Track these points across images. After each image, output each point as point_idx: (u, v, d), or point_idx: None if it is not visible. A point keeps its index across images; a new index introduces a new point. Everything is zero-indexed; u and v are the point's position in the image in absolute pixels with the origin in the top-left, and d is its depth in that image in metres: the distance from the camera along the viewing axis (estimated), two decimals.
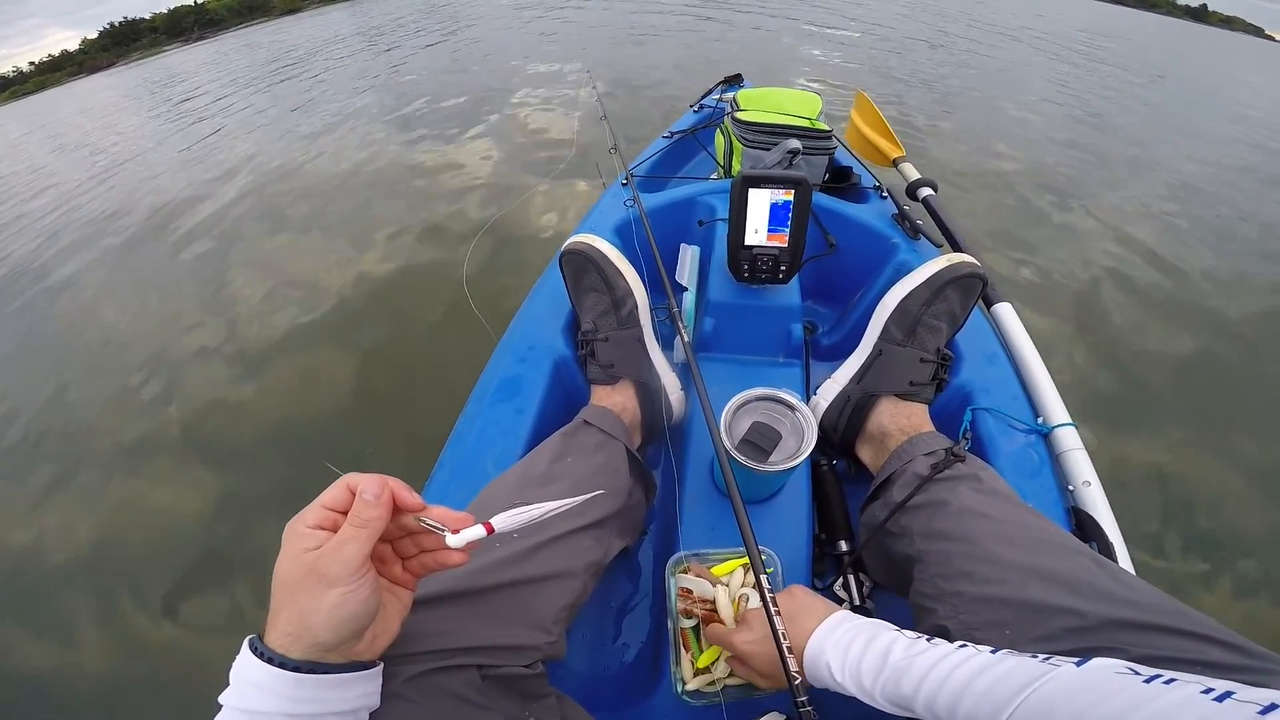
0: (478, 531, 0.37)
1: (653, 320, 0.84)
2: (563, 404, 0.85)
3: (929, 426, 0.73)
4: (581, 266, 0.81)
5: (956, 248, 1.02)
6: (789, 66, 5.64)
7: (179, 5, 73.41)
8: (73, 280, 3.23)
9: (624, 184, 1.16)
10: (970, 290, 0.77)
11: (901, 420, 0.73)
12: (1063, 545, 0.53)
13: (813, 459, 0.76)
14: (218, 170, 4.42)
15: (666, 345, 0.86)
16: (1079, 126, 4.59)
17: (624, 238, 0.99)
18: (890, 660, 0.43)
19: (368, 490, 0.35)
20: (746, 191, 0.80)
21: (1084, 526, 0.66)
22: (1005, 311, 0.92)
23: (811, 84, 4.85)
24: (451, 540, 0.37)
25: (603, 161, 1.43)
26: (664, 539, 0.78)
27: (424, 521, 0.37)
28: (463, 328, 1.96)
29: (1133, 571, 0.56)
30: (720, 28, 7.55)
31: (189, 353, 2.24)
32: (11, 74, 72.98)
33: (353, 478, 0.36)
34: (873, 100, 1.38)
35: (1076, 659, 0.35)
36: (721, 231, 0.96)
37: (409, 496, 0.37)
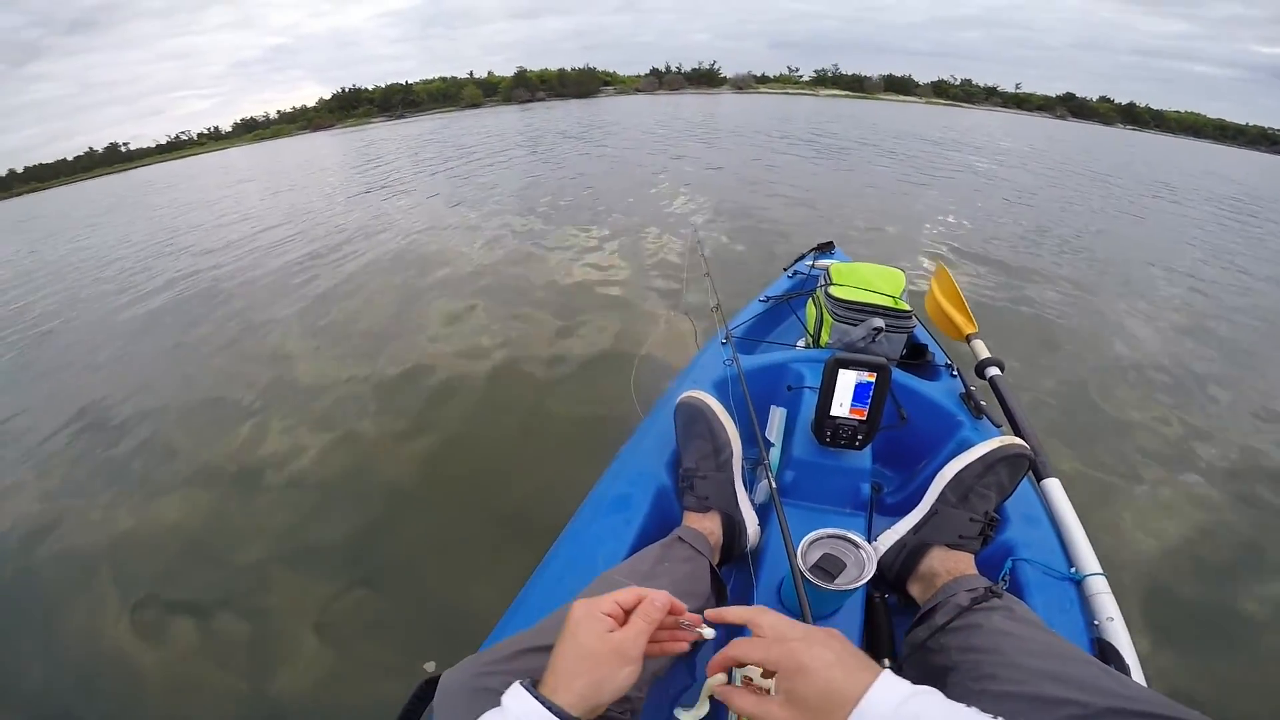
0: (711, 631, 0.54)
1: (742, 466, 1.03)
2: (658, 522, 1.02)
3: (973, 570, 0.85)
4: (693, 416, 1.02)
5: (1015, 429, 1.16)
6: (906, 219, 5.68)
7: (392, 84, 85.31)
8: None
9: (723, 342, 1.35)
10: (1018, 468, 0.92)
11: (949, 564, 0.86)
12: (1077, 657, 0.62)
13: (867, 592, 0.90)
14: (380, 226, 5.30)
15: (750, 488, 1.04)
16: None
17: (721, 392, 1.16)
18: None
19: (659, 599, 0.52)
20: (836, 371, 0.98)
21: (1106, 653, 0.76)
22: (1053, 485, 1.04)
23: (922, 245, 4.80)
24: (706, 631, 0.54)
25: (702, 313, 1.63)
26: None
27: (681, 621, 0.55)
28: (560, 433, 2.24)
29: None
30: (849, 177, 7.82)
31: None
32: (261, 119, 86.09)
33: (640, 590, 0.52)
34: (953, 276, 1.56)
35: None
36: (807, 397, 1.13)
37: (678, 604, 0.54)
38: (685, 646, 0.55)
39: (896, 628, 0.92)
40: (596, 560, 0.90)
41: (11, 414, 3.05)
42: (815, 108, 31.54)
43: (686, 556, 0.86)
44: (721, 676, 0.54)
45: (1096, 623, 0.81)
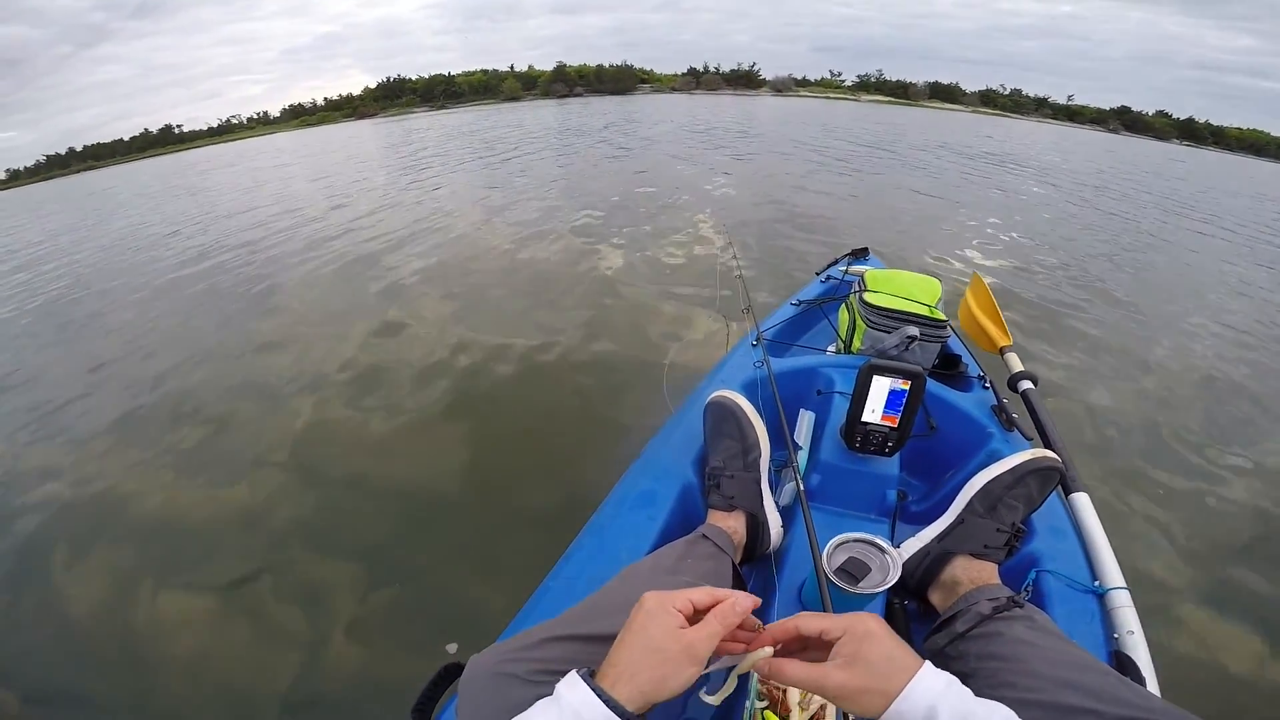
0: (769, 651, 0.51)
1: (769, 468, 1.05)
2: (682, 519, 1.04)
3: (996, 580, 0.85)
4: (723, 416, 1.05)
5: (1047, 442, 1.15)
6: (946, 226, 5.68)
7: (435, 75, 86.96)
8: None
9: (754, 344, 1.37)
10: (1048, 480, 0.92)
11: (973, 573, 0.86)
12: (1095, 668, 0.63)
13: (888, 598, 0.91)
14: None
15: (775, 490, 1.06)
16: None
17: (750, 393, 1.16)
18: None
19: (743, 603, 0.50)
20: (870, 377, 1.00)
21: (1124, 665, 0.76)
22: (1081, 500, 1.03)
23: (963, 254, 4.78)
24: (764, 651, 0.51)
25: (733, 313, 1.63)
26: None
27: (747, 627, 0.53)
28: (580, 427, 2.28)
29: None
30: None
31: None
32: (308, 105, 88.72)
33: (716, 591, 0.50)
34: (988, 285, 1.55)
35: None
36: (837, 403, 1.14)
37: (752, 617, 0.52)
38: (741, 649, 0.53)
39: (914, 635, 0.93)
40: (620, 553, 0.93)
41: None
42: (855, 112, 31.00)
43: (710, 554, 0.88)
44: (768, 650, 0.52)
45: (1116, 636, 0.81)
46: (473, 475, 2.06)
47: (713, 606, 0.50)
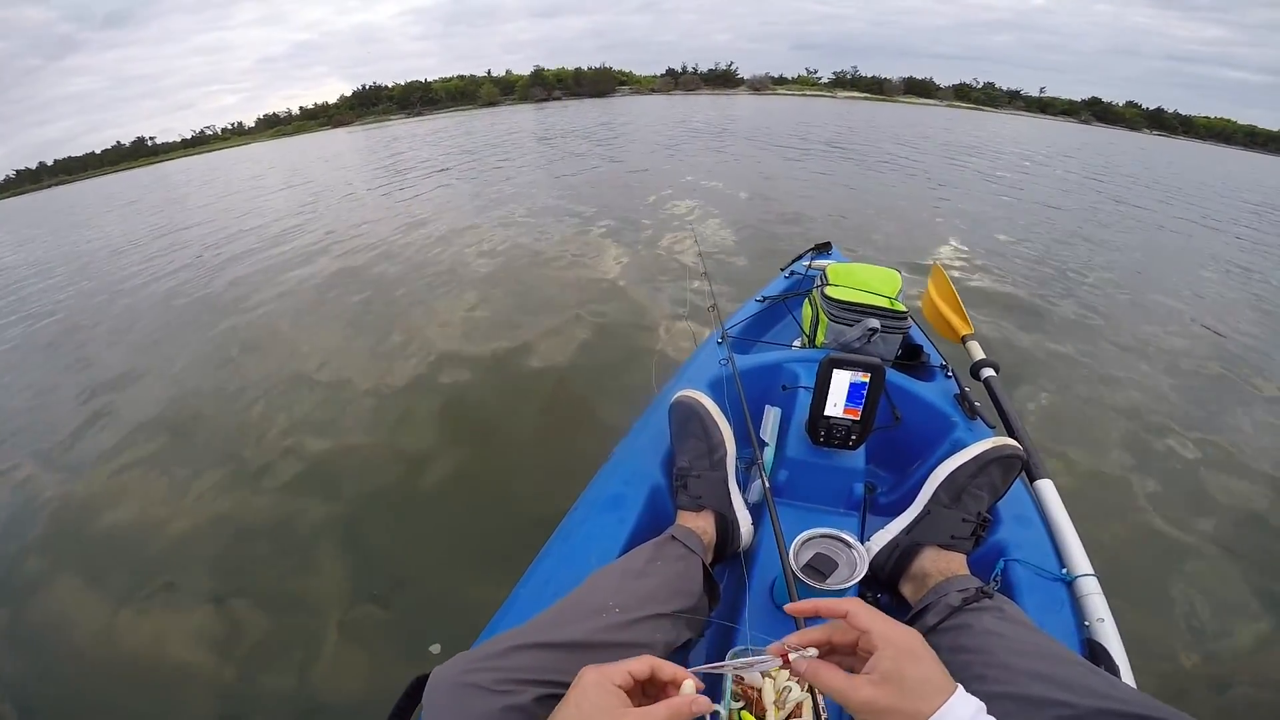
0: (692, 686, 0.47)
1: (736, 466, 1.05)
2: (651, 521, 1.03)
3: (965, 571, 0.86)
4: (687, 416, 1.04)
5: (1009, 429, 1.17)
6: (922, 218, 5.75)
7: (412, 82, 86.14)
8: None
9: (719, 342, 1.37)
10: (1010, 468, 0.93)
11: (941, 565, 0.87)
12: (1065, 658, 0.63)
13: (859, 592, 0.91)
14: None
15: (743, 488, 1.05)
16: None
17: (716, 391, 1.17)
18: None
19: (699, 705, 0.45)
20: (830, 371, 1.00)
21: (1096, 653, 0.77)
22: (1046, 486, 1.05)
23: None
24: (688, 686, 0.47)
25: (700, 312, 1.63)
26: (719, 642, 0.95)
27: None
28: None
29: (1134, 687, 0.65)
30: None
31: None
32: (283, 114, 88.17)
33: (659, 665, 0.47)
34: (947, 274, 1.57)
35: None
36: (802, 397, 1.15)
37: (695, 682, 0.48)
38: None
39: None
40: (590, 557, 0.92)
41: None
42: (831, 110, 31.35)
43: (679, 555, 0.87)
44: (813, 651, 0.50)
45: (1087, 623, 0.82)
46: (460, 478, 2.07)
47: (651, 676, 0.47)
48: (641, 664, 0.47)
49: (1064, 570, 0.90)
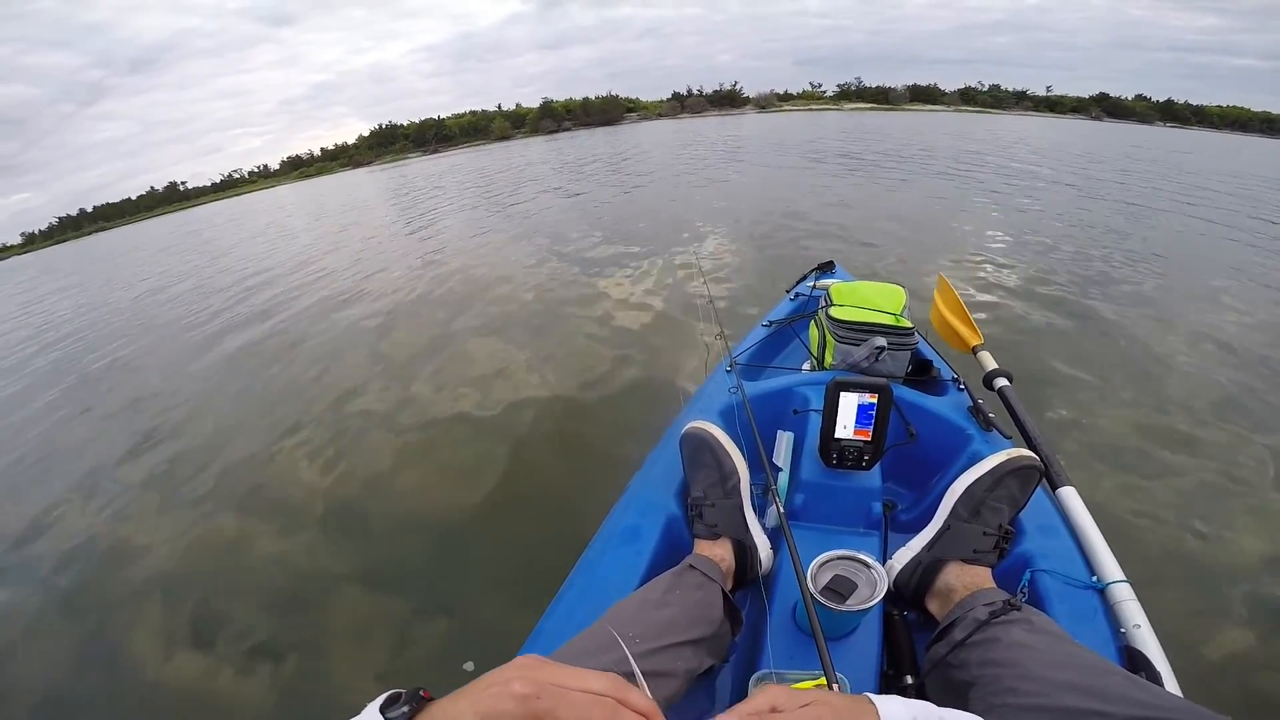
0: None
1: (751, 492, 1.06)
2: (668, 551, 1.02)
3: (991, 584, 0.85)
4: (698, 447, 1.05)
5: (1026, 439, 1.16)
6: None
7: (426, 119, 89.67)
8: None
9: (728, 370, 1.38)
10: (1028, 479, 0.92)
11: (966, 579, 0.86)
12: (1100, 667, 0.61)
13: (886, 610, 0.91)
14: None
15: (760, 513, 1.06)
16: None
17: (728, 420, 1.17)
18: None
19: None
20: (838, 394, 1.01)
21: (1135, 661, 0.74)
22: (1069, 494, 1.03)
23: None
24: None
25: (709, 336, 1.63)
26: (744, 666, 0.94)
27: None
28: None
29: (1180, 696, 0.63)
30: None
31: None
32: (306, 156, 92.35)
33: (624, 691, 0.40)
34: (952, 284, 1.56)
35: None
36: (813, 421, 1.15)
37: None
38: None
39: (918, 645, 0.92)
40: (609, 590, 0.92)
41: None
42: (839, 123, 31.46)
43: (698, 584, 0.88)
44: None
45: (1123, 630, 0.79)
46: (496, 508, 2.11)
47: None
48: (602, 680, 0.41)
49: (1094, 578, 0.88)
